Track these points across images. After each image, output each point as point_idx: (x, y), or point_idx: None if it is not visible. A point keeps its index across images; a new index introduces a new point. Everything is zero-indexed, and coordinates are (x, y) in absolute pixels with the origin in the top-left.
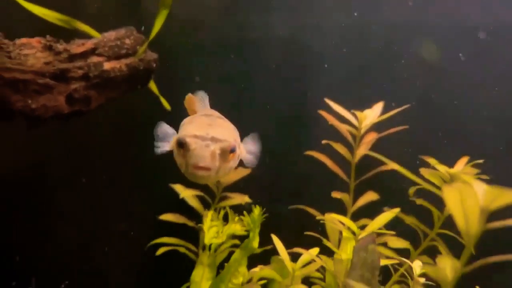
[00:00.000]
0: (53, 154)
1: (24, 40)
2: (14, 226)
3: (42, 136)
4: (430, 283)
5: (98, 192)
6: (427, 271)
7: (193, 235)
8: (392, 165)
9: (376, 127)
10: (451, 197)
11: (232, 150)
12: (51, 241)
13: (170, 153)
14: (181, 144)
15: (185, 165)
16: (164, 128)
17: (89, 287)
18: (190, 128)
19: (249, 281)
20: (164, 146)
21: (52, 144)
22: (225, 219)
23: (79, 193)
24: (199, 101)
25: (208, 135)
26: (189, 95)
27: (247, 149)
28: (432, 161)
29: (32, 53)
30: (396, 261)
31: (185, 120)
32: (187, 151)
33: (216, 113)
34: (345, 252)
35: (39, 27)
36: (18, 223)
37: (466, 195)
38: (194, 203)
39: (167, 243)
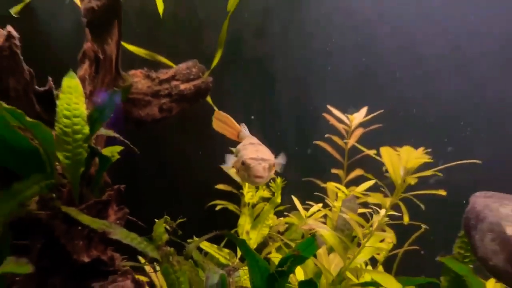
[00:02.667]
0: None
1: (133, 71)
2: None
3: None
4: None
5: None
6: (374, 198)
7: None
8: (367, 151)
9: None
10: (385, 157)
11: (274, 165)
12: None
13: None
14: (244, 164)
15: (247, 176)
16: (228, 156)
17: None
18: (247, 153)
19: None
20: (228, 165)
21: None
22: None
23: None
24: (242, 128)
25: (259, 157)
26: (216, 111)
27: (278, 162)
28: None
29: (138, 80)
30: (370, 210)
31: (239, 147)
32: (248, 168)
33: (256, 140)
34: (339, 205)
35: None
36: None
37: (392, 156)
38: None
39: (220, 203)
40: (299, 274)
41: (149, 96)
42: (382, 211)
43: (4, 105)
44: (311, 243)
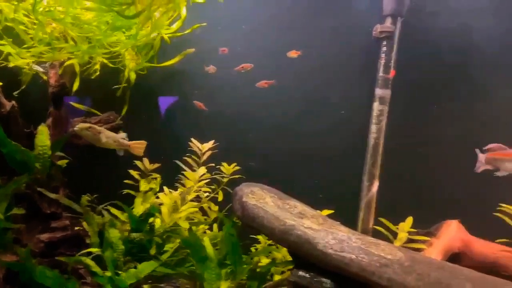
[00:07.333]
0: None
1: (76, 119)
2: None
3: None
4: None
5: None
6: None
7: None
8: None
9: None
10: (188, 173)
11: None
12: None
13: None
14: None
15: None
16: None
17: None
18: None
19: None
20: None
21: None
22: None
23: None
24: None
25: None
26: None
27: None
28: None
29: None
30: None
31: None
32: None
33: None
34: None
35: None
36: None
37: (190, 174)
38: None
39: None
40: (157, 221)
41: None
42: (205, 194)
43: (13, 142)
44: (153, 206)
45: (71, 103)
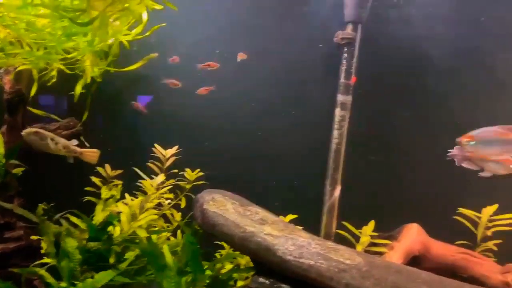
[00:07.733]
0: None
1: (35, 125)
2: None
3: None
4: None
5: None
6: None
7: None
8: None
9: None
10: (145, 183)
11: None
12: None
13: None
14: None
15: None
16: None
17: None
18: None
19: None
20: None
21: None
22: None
23: None
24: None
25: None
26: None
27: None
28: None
29: None
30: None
31: None
32: None
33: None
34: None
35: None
36: None
37: (147, 183)
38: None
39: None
40: (117, 229)
41: None
42: (166, 201)
43: None
44: (111, 214)
45: (28, 107)
